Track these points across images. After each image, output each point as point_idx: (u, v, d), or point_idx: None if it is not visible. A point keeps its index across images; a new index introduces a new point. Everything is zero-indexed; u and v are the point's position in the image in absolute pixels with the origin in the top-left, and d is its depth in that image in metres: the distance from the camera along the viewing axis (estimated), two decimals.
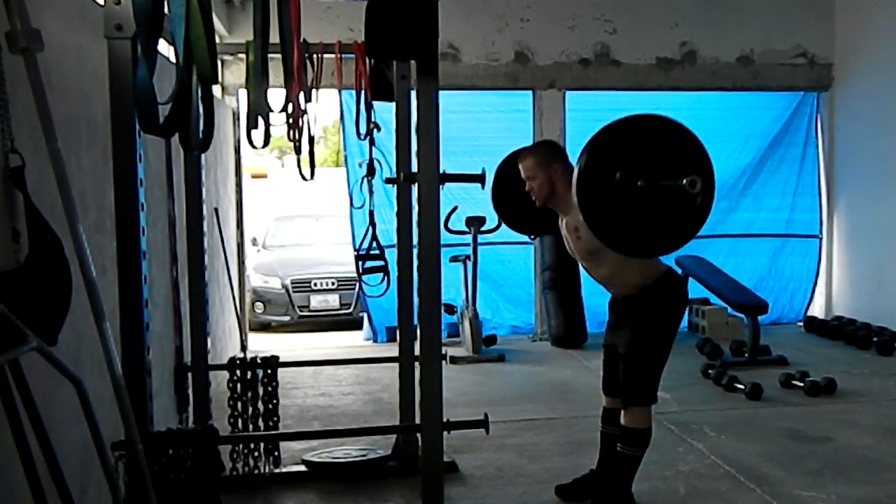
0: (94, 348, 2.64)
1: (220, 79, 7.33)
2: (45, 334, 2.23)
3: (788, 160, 8.59)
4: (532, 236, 4.03)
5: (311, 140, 3.16)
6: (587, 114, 8.21)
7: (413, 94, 3.41)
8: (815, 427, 4.87)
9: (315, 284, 9.53)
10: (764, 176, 8.55)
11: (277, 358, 4.24)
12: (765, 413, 5.23)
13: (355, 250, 4.53)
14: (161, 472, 2.80)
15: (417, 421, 3.42)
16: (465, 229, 7.30)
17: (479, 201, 7.44)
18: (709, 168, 2.99)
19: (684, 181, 2.82)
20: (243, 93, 6.46)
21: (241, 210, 7.98)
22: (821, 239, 8.68)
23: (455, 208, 7.26)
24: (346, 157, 7.85)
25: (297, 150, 3.16)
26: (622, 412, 3.49)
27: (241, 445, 4.05)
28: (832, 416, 5.08)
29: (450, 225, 7.16)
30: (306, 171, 3.31)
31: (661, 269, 3.50)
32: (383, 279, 4.38)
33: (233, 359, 4.27)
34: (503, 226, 7.29)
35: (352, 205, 7.68)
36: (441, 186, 2.87)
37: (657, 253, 3.30)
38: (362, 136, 3.90)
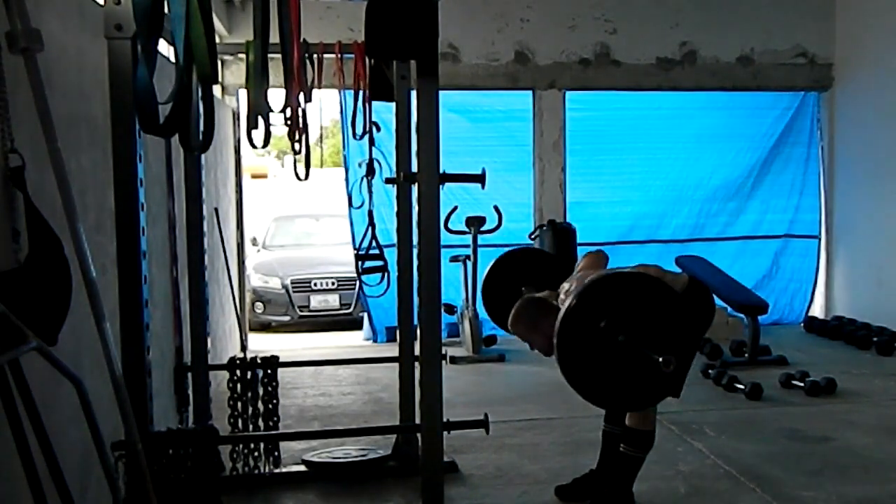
0: (94, 348, 2.63)
1: (220, 79, 7.34)
2: (45, 334, 2.23)
3: (792, 161, 8.60)
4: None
5: (307, 140, 3.16)
6: (587, 114, 8.25)
7: (413, 94, 3.41)
8: (815, 427, 4.86)
9: (315, 284, 9.53)
10: (771, 177, 8.56)
11: (277, 358, 4.24)
12: (765, 413, 5.23)
13: (355, 250, 4.54)
14: (161, 472, 2.80)
15: (417, 421, 3.42)
16: (465, 229, 7.30)
17: (479, 201, 7.45)
18: (690, 350, 3.20)
19: (661, 359, 2.88)
20: (243, 93, 6.48)
21: (241, 210, 7.98)
22: (819, 239, 8.68)
23: (455, 208, 7.26)
24: (345, 156, 7.86)
25: (296, 151, 3.16)
26: (629, 413, 3.49)
27: (241, 445, 4.05)
28: (832, 416, 5.08)
29: (450, 225, 7.15)
30: (302, 171, 3.31)
31: (685, 278, 3.48)
32: (382, 279, 4.38)
33: (233, 359, 4.27)
34: (503, 226, 7.37)
35: (351, 205, 7.69)
36: (441, 186, 2.87)
37: (615, 406, 3.41)
38: (358, 136, 3.91)
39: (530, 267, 4.19)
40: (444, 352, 3.11)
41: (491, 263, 4.15)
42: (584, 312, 3.01)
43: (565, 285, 3.62)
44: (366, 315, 8.36)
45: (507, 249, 4.39)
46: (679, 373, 3.44)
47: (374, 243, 4.39)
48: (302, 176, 3.30)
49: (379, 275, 4.45)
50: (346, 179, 7.84)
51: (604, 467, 3.74)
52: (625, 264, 3.62)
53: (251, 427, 4.16)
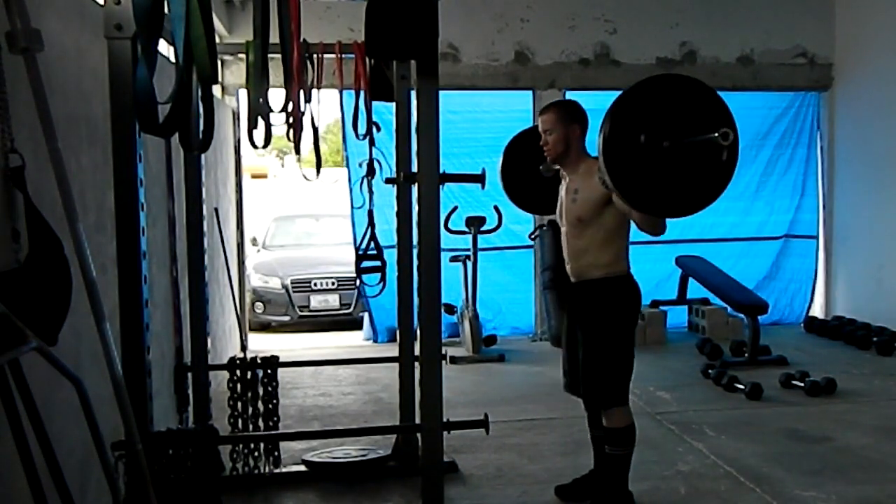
0: (94, 348, 2.64)
1: (220, 79, 7.34)
2: (45, 334, 2.23)
3: (793, 161, 8.59)
4: (536, 213, 4.14)
5: (317, 139, 3.16)
6: (587, 114, 8.23)
7: (413, 94, 3.41)
8: (815, 427, 4.86)
9: (315, 284, 9.53)
10: (775, 177, 8.55)
11: (277, 358, 4.24)
12: (765, 413, 5.23)
13: (356, 250, 4.54)
14: (161, 472, 2.80)
15: (417, 421, 3.42)
16: (465, 229, 7.30)
17: (479, 201, 7.45)
18: (732, 122, 2.97)
19: (717, 133, 2.81)
20: (243, 93, 6.48)
21: (241, 210, 7.97)
22: (817, 239, 8.68)
23: (455, 208, 7.26)
24: (346, 157, 7.85)
25: (297, 150, 3.16)
26: (602, 415, 3.50)
27: (241, 445, 4.05)
28: (832, 416, 5.08)
29: (450, 225, 7.15)
30: (308, 171, 3.31)
31: (627, 265, 3.51)
32: (380, 279, 4.38)
33: (233, 359, 4.27)
34: (502, 227, 7.36)
35: (353, 205, 7.69)
36: (441, 186, 2.87)
37: (687, 212, 3.19)
38: (361, 136, 3.91)
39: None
40: (444, 352, 3.11)
41: (506, 145, 4.07)
42: (620, 136, 2.91)
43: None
44: (367, 315, 8.36)
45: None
46: (630, 362, 3.44)
47: (372, 244, 4.39)
48: (311, 176, 3.30)
49: (377, 275, 4.45)
50: (349, 179, 7.84)
51: (599, 469, 3.74)
52: (631, 263, 3.61)
53: (251, 427, 4.16)
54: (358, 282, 4.62)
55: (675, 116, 2.94)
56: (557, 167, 3.68)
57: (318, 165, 3.29)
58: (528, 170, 3.92)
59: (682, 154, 2.91)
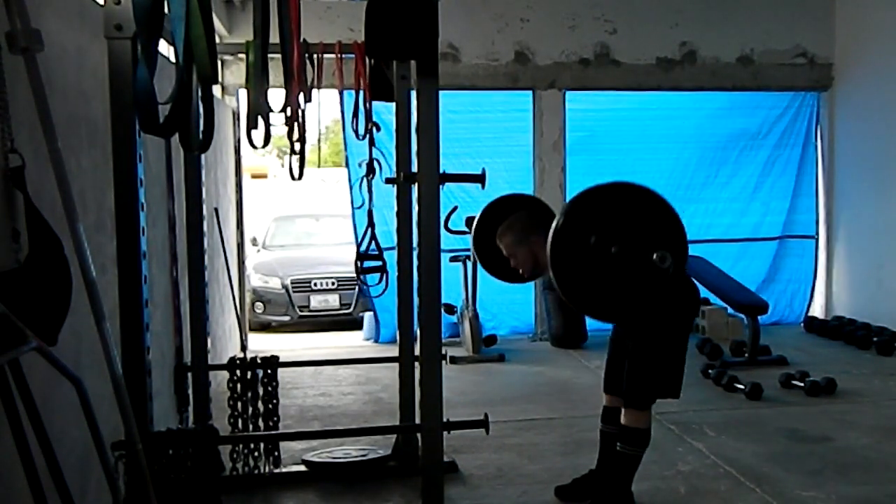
0: (94, 348, 2.64)
1: (220, 79, 7.33)
2: (45, 334, 2.23)
3: (793, 161, 8.59)
4: (511, 283, 4.11)
5: (303, 141, 3.15)
6: (587, 114, 8.24)
7: (413, 94, 3.41)
8: (815, 427, 4.87)
9: (315, 284, 9.53)
10: (773, 178, 8.55)
11: (277, 358, 4.24)
12: (765, 413, 5.23)
13: (357, 250, 4.53)
14: (161, 472, 2.80)
15: (417, 421, 3.42)
16: (465, 229, 7.29)
17: (479, 201, 7.43)
18: (682, 242, 3.07)
19: (654, 255, 2.85)
20: (243, 93, 6.48)
21: (241, 210, 7.97)
22: (817, 239, 8.68)
23: (455, 208, 7.26)
24: (347, 157, 7.85)
25: (295, 151, 3.16)
26: (622, 411, 3.49)
27: (241, 445, 4.05)
28: (832, 416, 5.08)
29: (450, 225, 7.15)
30: (298, 171, 3.29)
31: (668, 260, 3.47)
32: (381, 279, 4.38)
33: (233, 359, 4.27)
34: None
35: (353, 205, 7.68)
36: (441, 186, 2.87)
37: (623, 321, 3.36)
38: (361, 136, 3.91)
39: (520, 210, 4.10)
40: (444, 352, 3.11)
41: (481, 210, 4.09)
42: (571, 232, 2.96)
43: None
44: (371, 315, 8.35)
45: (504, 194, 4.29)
46: (676, 371, 3.44)
47: (373, 244, 4.39)
48: (297, 175, 3.29)
49: (378, 275, 4.45)
50: (349, 179, 7.83)
51: (603, 467, 3.74)
52: None
53: (251, 427, 4.15)
54: (358, 282, 4.62)
55: (628, 225, 3.02)
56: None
57: (302, 165, 3.27)
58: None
59: (629, 262, 2.96)
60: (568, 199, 3.14)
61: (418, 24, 2.68)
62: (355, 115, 3.83)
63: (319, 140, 3.30)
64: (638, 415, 3.45)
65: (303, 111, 3.06)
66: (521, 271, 3.58)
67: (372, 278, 4.43)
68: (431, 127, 2.80)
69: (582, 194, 3.10)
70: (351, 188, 7.70)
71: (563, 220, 2.98)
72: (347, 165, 7.86)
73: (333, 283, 9.49)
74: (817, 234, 8.67)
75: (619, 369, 3.57)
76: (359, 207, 4.42)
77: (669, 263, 2.86)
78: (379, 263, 4.40)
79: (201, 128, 2.39)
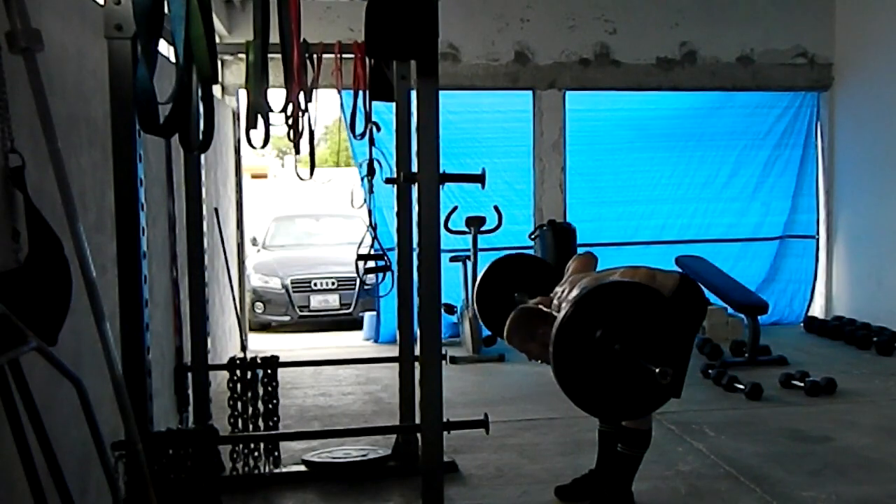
0: (94, 348, 2.64)
1: (220, 79, 7.33)
2: (45, 334, 2.23)
3: (793, 160, 8.59)
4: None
5: (312, 139, 3.16)
6: (587, 114, 8.24)
7: (413, 94, 3.41)
8: (815, 427, 4.86)
9: (315, 284, 9.53)
10: (773, 178, 8.55)
11: (277, 358, 4.24)
12: (765, 413, 5.23)
13: (358, 250, 4.54)
14: (161, 472, 2.80)
15: (417, 421, 3.42)
16: (465, 229, 7.30)
17: (479, 201, 7.45)
18: (684, 360, 3.18)
19: (657, 370, 2.87)
20: (243, 93, 6.47)
21: (241, 210, 7.97)
22: (817, 239, 8.68)
23: (455, 208, 7.26)
24: (354, 156, 7.83)
25: (297, 150, 3.16)
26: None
27: (241, 445, 4.05)
28: (832, 416, 5.08)
29: (450, 225, 7.15)
30: (304, 171, 3.31)
31: (675, 277, 3.50)
32: (384, 278, 4.38)
33: (233, 359, 4.27)
34: (503, 226, 7.36)
35: (353, 205, 7.68)
36: (441, 186, 2.87)
37: (613, 417, 3.40)
38: (358, 136, 3.91)
39: (521, 272, 4.18)
40: (444, 352, 3.11)
41: (482, 271, 4.16)
42: (579, 322, 2.99)
43: (557, 290, 3.62)
44: (368, 315, 8.35)
45: (503, 254, 4.37)
46: (678, 373, 3.44)
47: (375, 243, 4.39)
48: (306, 176, 3.30)
49: (379, 274, 4.45)
50: (361, 178, 7.81)
51: (602, 467, 3.74)
52: (620, 264, 3.61)
53: (251, 427, 4.16)
54: (358, 282, 4.63)
55: (637, 328, 3.03)
56: (535, 301, 3.68)
57: (312, 166, 3.29)
58: (504, 296, 3.94)
59: (629, 363, 2.98)
60: (580, 290, 3.16)
61: (418, 24, 2.68)
62: (353, 114, 3.83)
63: (314, 141, 3.29)
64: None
65: (304, 111, 3.06)
66: (541, 361, 3.58)
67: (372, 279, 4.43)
68: (431, 127, 2.80)
69: (596, 288, 3.12)
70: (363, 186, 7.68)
71: (573, 309, 3.01)
72: (357, 164, 7.85)
73: (333, 283, 9.49)
74: (818, 233, 8.67)
75: None
76: (358, 207, 4.42)
77: (668, 380, 2.89)
78: (382, 263, 4.41)
79: (201, 128, 2.39)
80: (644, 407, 3.19)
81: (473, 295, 4.12)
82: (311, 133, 3.16)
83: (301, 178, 3.33)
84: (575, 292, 3.34)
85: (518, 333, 3.52)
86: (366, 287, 4.77)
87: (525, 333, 3.49)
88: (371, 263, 4.52)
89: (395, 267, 4.28)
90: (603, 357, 2.98)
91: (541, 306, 3.52)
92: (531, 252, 7.93)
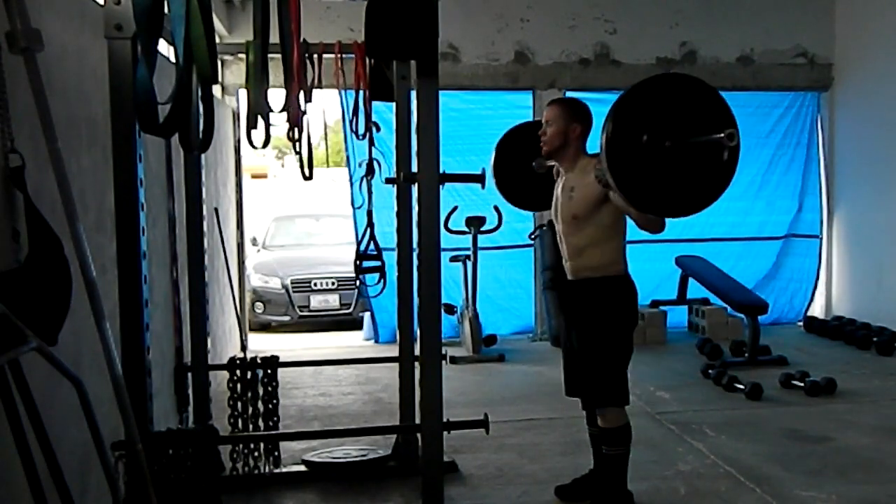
0: (94, 348, 2.64)
1: (220, 79, 7.34)
2: (45, 334, 2.23)
3: (794, 160, 8.58)
4: (526, 209, 4.20)
5: (310, 140, 3.16)
6: (592, 116, 8.23)
7: (413, 94, 3.41)
8: (815, 427, 4.86)
9: (315, 284, 9.53)
10: (776, 177, 8.55)
11: (277, 358, 4.24)
12: (765, 413, 5.23)
13: (357, 250, 4.53)
14: (161, 472, 2.80)
15: (417, 421, 3.42)
16: (465, 229, 7.30)
17: (479, 201, 7.44)
18: (734, 122, 2.96)
19: (722, 134, 2.81)
20: (243, 93, 6.47)
21: (241, 210, 7.97)
22: (821, 239, 8.68)
23: (455, 208, 7.26)
24: (348, 157, 7.85)
25: (297, 150, 3.16)
26: (598, 415, 3.51)
27: (241, 445, 4.05)
28: (832, 416, 5.08)
29: (450, 225, 7.15)
30: (307, 171, 3.30)
31: (624, 265, 3.52)
32: (379, 279, 4.38)
33: (233, 359, 4.27)
34: (503, 226, 7.35)
35: (354, 205, 7.68)
36: (441, 186, 2.87)
37: (688, 212, 3.19)
38: (360, 136, 3.91)
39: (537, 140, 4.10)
40: (444, 352, 3.11)
41: (498, 140, 4.11)
42: (623, 134, 2.91)
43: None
44: (367, 315, 8.35)
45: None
46: (620, 374, 3.45)
47: (371, 244, 4.39)
48: (306, 175, 3.29)
49: (376, 275, 4.45)
50: (350, 179, 7.83)
51: (598, 468, 3.74)
52: (630, 262, 3.60)
53: (251, 427, 4.16)
54: (358, 282, 4.62)
55: (677, 116, 2.94)
56: (551, 163, 3.68)
57: (311, 166, 3.28)
58: (520, 165, 3.94)
59: (684, 154, 2.91)
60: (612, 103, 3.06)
61: (418, 24, 2.68)
62: (355, 114, 3.83)
63: (314, 141, 3.28)
64: (611, 415, 3.46)
65: (304, 111, 3.06)
66: (542, 144, 3.55)
67: (371, 278, 4.43)
68: (431, 127, 2.81)
69: (625, 96, 3.02)
70: (352, 188, 7.69)
71: (612, 125, 2.91)
72: (348, 165, 7.85)
73: (333, 283, 9.49)
74: (821, 233, 8.67)
75: (576, 372, 3.62)
76: (359, 207, 4.42)
77: (737, 139, 2.84)
78: (378, 263, 4.41)
79: (201, 128, 2.40)
80: (712, 191, 3.03)
81: (490, 164, 4.08)
82: (309, 134, 3.15)
83: (305, 178, 3.32)
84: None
85: (562, 107, 3.56)
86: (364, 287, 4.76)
87: (567, 111, 3.52)
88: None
89: (393, 267, 4.28)
90: (660, 158, 2.88)
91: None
92: (531, 250, 7.96)
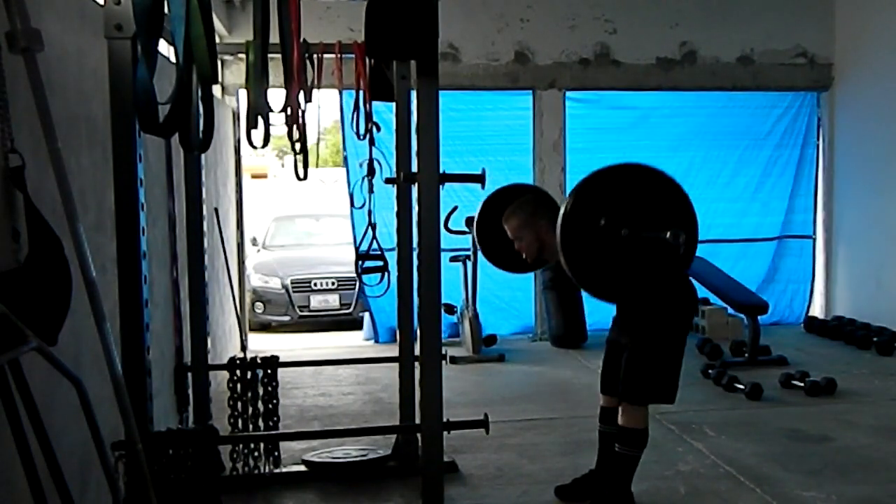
0: (94, 348, 2.64)
1: (220, 79, 7.33)
2: (45, 334, 2.23)
3: (793, 160, 8.59)
4: (513, 272, 4.13)
5: (305, 141, 3.15)
6: (587, 114, 8.24)
7: (413, 94, 3.41)
8: (815, 427, 4.86)
9: (315, 284, 9.53)
10: (773, 178, 8.55)
11: (277, 358, 4.24)
12: (765, 413, 5.23)
13: (356, 250, 4.54)
14: (161, 472, 2.80)
15: (417, 421, 3.42)
16: (465, 229, 7.29)
17: (479, 201, 7.43)
18: (693, 221, 3.10)
19: (668, 234, 2.86)
20: (243, 93, 6.48)
21: (241, 210, 7.97)
22: (814, 239, 8.68)
23: (455, 208, 7.26)
24: (345, 157, 7.85)
25: (296, 151, 3.16)
26: (619, 411, 3.49)
27: (241, 445, 4.05)
28: (832, 416, 5.08)
29: (450, 225, 7.15)
30: (302, 171, 3.30)
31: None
32: (382, 279, 4.38)
33: (233, 359, 4.27)
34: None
35: (352, 205, 7.68)
36: (441, 186, 2.87)
37: (635, 300, 3.35)
38: (361, 136, 3.91)
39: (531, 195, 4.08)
40: (444, 352, 3.11)
41: (485, 198, 4.10)
42: (582, 213, 2.96)
43: None
44: (367, 315, 8.35)
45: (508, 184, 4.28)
46: (671, 376, 3.44)
47: (374, 243, 4.39)
48: (301, 175, 3.29)
49: (378, 275, 4.45)
50: (348, 179, 7.83)
51: (602, 467, 3.74)
52: None
53: (251, 427, 4.16)
54: (358, 282, 4.62)
55: (638, 206, 3.02)
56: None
57: (306, 166, 3.28)
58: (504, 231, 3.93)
59: (640, 244, 2.97)
60: (575, 182, 3.12)
61: (418, 24, 2.68)
62: (356, 114, 3.83)
63: (318, 141, 3.29)
64: (635, 415, 3.45)
65: (303, 111, 3.05)
66: (524, 256, 3.56)
67: (372, 279, 4.43)
68: (431, 127, 2.80)
69: (590, 176, 3.07)
70: (350, 188, 7.70)
71: (573, 201, 2.97)
72: (346, 165, 7.86)
73: (333, 283, 9.49)
74: (815, 233, 8.67)
75: (616, 370, 3.57)
76: (359, 207, 4.43)
77: (683, 240, 2.86)
78: (380, 263, 4.41)
79: (201, 128, 2.39)
80: (663, 282, 3.11)
81: (476, 217, 4.06)
82: (303, 134, 3.15)
83: (298, 178, 3.32)
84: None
85: (519, 215, 3.53)
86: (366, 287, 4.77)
87: (527, 217, 3.50)
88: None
89: (393, 267, 4.28)
90: (612, 244, 2.94)
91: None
92: None
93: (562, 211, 3.00)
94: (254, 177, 16.37)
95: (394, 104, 4.06)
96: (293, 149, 3.15)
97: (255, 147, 2.81)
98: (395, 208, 4.19)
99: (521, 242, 3.54)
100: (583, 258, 3.00)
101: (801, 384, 5.68)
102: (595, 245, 2.97)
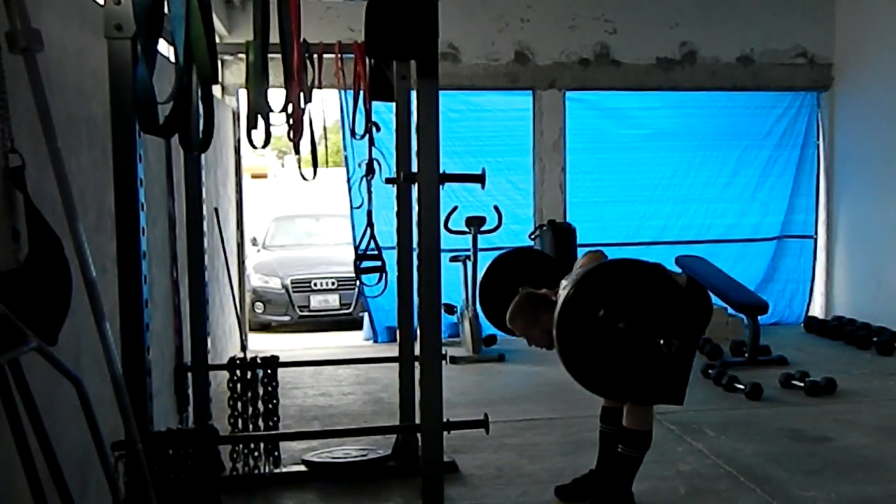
0: (94, 348, 2.64)
1: (220, 79, 7.33)
2: (45, 334, 2.23)
3: (793, 160, 8.59)
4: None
5: (313, 140, 3.16)
6: (587, 114, 8.25)
7: (413, 94, 3.41)
8: (815, 427, 4.86)
9: (315, 284, 9.53)
10: (773, 178, 8.56)
11: (277, 358, 4.24)
12: (765, 413, 5.23)
13: (356, 250, 4.54)
14: (161, 472, 2.80)
15: (417, 421, 3.42)
16: (465, 229, 7.30)
17: (479, 201, 7.45)
18: (690, 350, 3.19)
19: (661, 342, 2.89)
20: (243, 93, 6.48)
21: (241, 210, 7.97)
22: (815, 239, 8.68)
23: (455, 208, 7.26)
24: (346, 157, 7.85)
25: (297, 150, 3.16)
26: (624, 412, 3.49)
27: (241, 445, 4.05)
28: (832, 416, 5.08)
29: (450, 225, 7.15)
30: (307, 171, 3.31)
31: (683, 278, 3.52)
32: (380, 279, 4.38)
33: (233, 359, 4.27)
34: (503, 226, 7.36)
35: (352, 205, 7.68)
36: (441, 186, 2.87)
37: (619, 396, 3.41)
38: (358, 136, 3.91)
39: (528, 267, 4.19)
40: (444, 352, 3.11)
41: (488, 264, 4.17)
42: (582, 302, 2.98)
43: (564, 282, 3.62)
44: (366, 315, 8.36)
45: (504, 250, 4.40)
46: (681, 377, 3.44)
47: (372, 243, 4.39)
48: (308, 176, 3.30)
49: (377, 275, 4.45)
50: (348, 179, 7.84)
51: (602, 468, 3.74)
52: None
53: (251, 427, 4.16)
54: (358, 282, 4.62)
55: (639, 304, 3.06)
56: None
57: (315, 165, 3.29)
58: (508, 291, 3.93)
59: (635, 340, 2.99)
60: (580, 271, 3.16)
61: (418, 24, 2.68)
62: (355, 115, 3.83)
63: (324, 140, 3.29)
64: (640, 417, 3.45)
65: (304, 111, 3.05)
66: (541, 347, 3.59)
67: (370, 278, 4.43)
68: (431, 127, 2.80)
69: (596, 268, 3.12)
70: (350, 188, 7.70)
71: (574, 290, 3.00)
72: (347, 165, 7.86)
73: (333, 283, 9.49)
74: (815, 233, 8.67)
75: None
76: (358, 207, 4.43)
77: (675, 350, 2.90)
78: (378, 263, 4.41)
79: (201, 128, 2.39)
80: (651, 386, 3.15)
81: (477, 290, 4.14)
82: (313, 133, 3.16)
83: (304, 178, 3.32)
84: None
85: (521, 317, 3.53)
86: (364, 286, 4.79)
87: (528, 318, 3.51)
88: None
89: (393, 267, 4.28)
90: (607, 336, 2.97)
91: (547, 296, 3.52)
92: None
93: (562, 298, 3.03)
94: (254, 177, 16.37)
95: (394, 104, 4.06)
96: (295, 150, 3.14)
97: (255, 147, 2.81)
98: (395, 208, 4.19)
99: (531, 340, 3.58)
100: (577, 347, 3.05)
101: (801, 384, 5.68)
102: (591, 334, 3.02)
